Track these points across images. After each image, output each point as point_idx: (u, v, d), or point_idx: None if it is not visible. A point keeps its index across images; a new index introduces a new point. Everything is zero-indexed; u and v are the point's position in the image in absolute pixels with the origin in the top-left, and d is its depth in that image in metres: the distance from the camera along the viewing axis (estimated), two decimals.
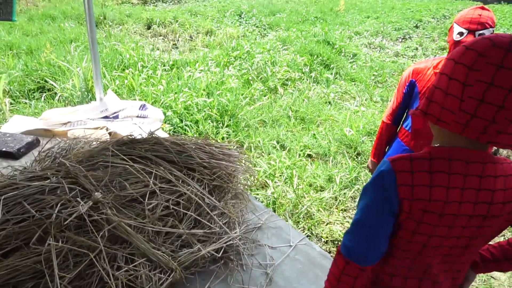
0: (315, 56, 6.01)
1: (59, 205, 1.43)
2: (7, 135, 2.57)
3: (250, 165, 2.18)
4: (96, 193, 1.50)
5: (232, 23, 8.59)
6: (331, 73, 5.68)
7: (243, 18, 9.04)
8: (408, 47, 7.67)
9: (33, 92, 4.15)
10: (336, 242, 2.69)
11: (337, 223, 2.85)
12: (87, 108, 2.99)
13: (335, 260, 1.01)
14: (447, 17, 10.87)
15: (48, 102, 3.86)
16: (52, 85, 4.03)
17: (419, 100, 1.97)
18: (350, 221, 2.90)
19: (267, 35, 7.91)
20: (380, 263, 1.01)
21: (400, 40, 8.28)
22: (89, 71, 3.82)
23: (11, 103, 3.65)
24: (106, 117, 3.00)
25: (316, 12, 10.06)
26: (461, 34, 1.74)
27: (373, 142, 2.28)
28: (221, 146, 1.99)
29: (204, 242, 1.60)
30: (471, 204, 0.86)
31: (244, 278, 1.67)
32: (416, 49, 7.57)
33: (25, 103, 3.89)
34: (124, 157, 1.67)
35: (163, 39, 7.37)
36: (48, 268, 1.29)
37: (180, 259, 1.48)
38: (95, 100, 3.18)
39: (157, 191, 1.62)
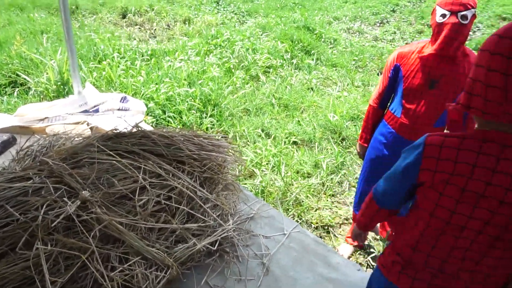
0: (296, 42, 5.96)
1: (44, 206, 1.36)
2: None
3: (239, 155, 2.15)
4: (83, 192, 1.44)
5: (210, 10, 8.41)
6: (312, 59, 5.66)
7: (221, 5, 8.86)
8: (386, 31, 7.72)
9: (5, 87, 3.95)
10: (326, 228, 2.71)
11: (326, 209, 2.86)
12: (65, 102, 2.87)
13: (369, 194, 1.25)
14: (423, 1, 10.98)
15: (22, 97, 3.69)
16: (25, 79, 3.84)
17: (403, 84, 1.98)
18: (339, 205, 2.93)
19: (246, 22, 7.79)
20: (405, 236, 1.10)
21: (378, 24, 8.32)
22: (65, 64, 3.65)
23: None
24: (85, 111, 2.89)
25: None
26: (443, 16, 1.74)
27: (360, 127, 2.30)
28: (209, 137, 1.95)
29: (198, 236, 1.57)
30: (502, 189, 0.86)
31: (241, 269, 1.66)
32: (394, 33, 7.63)
33: None
34: (110, 153, 1.60)
35: (139, 28, 7.14)
36: (38, 273, 1.23)
37: (175, 255, 1.45)
38: (73, 94, 3.05)
39: (147, 186, 1.57)
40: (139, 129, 1.80)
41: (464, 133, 0.93)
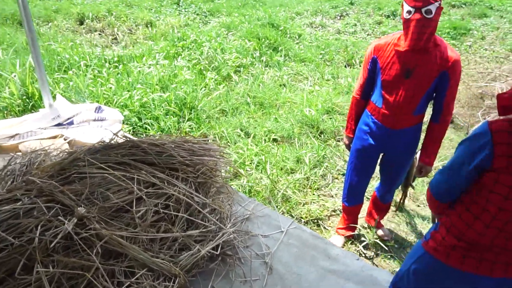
0: (263, 39, 5.99)
1: (39, 227, 1.30)
2: None
3: (228, 157, 2.14)
4: (79, 208, 1.38)
5: (171, 12, 8.26)
6: (281, 56, 5.71)
7: (181, 7, 8.73)
8: (347, 23, 7.92)
9: None
10: (316, 221, 2.76)
11: (313, 203, 2.91)
12: (36, 116, 2.73)
13: (427, 195, 1.30)
14: None
15: None
16: None
17: (381, 75, 2.05)
18: (325, 199, 2.98)
19: (209, 22, 7.74)
20: (469, 221, 1.13)
21: (338, 17, 8.53)
22: (27, 76, 3.47)
23: None
24: (59, 124, 2.77)
25: None
26: (409, 12, 1.81)
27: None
28: (199, 142, 1.92)
29: (201, 241, 1.56)
30: None
31: (245, 271, 1.66)
32: (355, 25, 7.85)
33: None
34: (101, 165, 1.55)
35: (99, 34, 6.90)
36: None
37: (181, 263, 1.42)
38: (43, 107, 2.91)
39: (144, 196, 1.53)
40: (127, 139, 1.75)
41: None
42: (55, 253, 1.27)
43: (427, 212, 2.88)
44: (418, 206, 2.97)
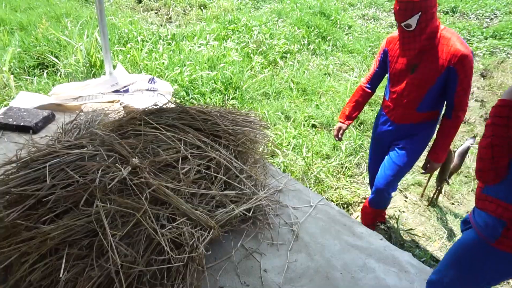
0: (312, 28, 6.00)
1: (100, 170, 1.50)
2: (22, 110, 2.60)
3: (268, 132, 2.27)
4: (133, 159, 1.57)
5: None
6: (329, 45, 5.70)
7: None
8: None
9: (33, 69, 4.10)
10: (346, 206, 2.83)
11: (345, 188, 2.98)
12: (98, 82, 3.01)
13: None
14: None
15: (51, 78, 3.84)
16: (53, 61, 3.98)
17: (389, 68, 2.02)
18: (357, 186, 3.04)
19: (261, 8, 7.81)
20: None
21: (393, 10, 8.28)
22: (92, 46, 3.78)
23: (13, 80, 3.61)
24: (116, 91, 3.03)
25: None
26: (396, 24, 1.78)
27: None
28: (242, 114, 2.07)
29: (236, 202, 1.71)
30: None
31: (273, 235, 1.79)
32: None
33: (26, 79, 3.85)
34: (155, 125, 1.73)
35: (155, 13, 7.22)
36: (100, 227, 1.38)
37: (216, 218, 1.58)
38: (103, 75, 3.19)
39: (189, 156, 1.70)
40: (178, 105, 1.93)
41: None
42: (111, 194, 1.47)
43: (461, 210, 2.85)
44: (452, 204, 2.94)
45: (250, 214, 1.72)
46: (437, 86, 1.87)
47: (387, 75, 2.12)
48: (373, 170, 2.38)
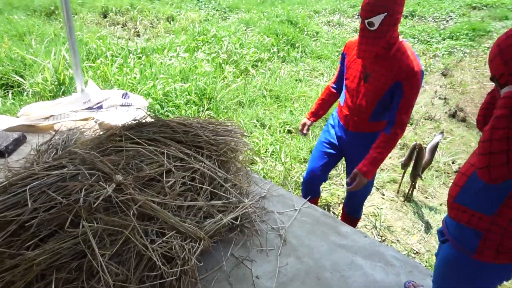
0: (281, 36, 6.12)
1: (83, 190, 1.48)
2: None
3: (247, 140, 2.30)
4: (117, 176, 1.55)
5: (191, 7, 8.46)
6: (298, 52, 5.84)
7: (201, 2, 8.91)
8: None
9: None
10: (326, 207, 2.90)
11: (324, 190, 3.05)
12: (69, 100, 2.94)
13: None
14: None
15: (17, 98, 3.70)
16: (18, 80, 3.85)
17: (345, 74, 1.99)
18: (336, 187, 3.11)
19: (228, 18, 7.89)
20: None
21: (356, 16, 8.58)
22: (60, 64, 3.69)
23: None
24: (89, 108, 2.97)
25: None
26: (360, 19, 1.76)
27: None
28: (221, 124, 2.09)
29: (223, 212, 1.72)
30: None
31: (261, 241, 1.82)
32: None
33: None
34: (138, 140, 1.72)
35: (122, 27, 7.14)
36: (88, 248, 1.35)
37: (205, 228, 1.58)
38: (73, 93, 3.12)
39: (173, 169, 1.70)
40: (158, 118, 1.92)
41: None
42: (97, 213, 1.45)
43: (435, 203, 2.99)
44: (426, 197, 3.07)
45: (237, 223, 1.74)
46: (386, 98, 1.84)
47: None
48: (310, 168, 2.28)
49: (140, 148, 1.73)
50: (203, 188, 1.74)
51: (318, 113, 2.30)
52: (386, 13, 1.63)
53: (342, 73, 2.10)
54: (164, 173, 1.68)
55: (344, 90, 2.03)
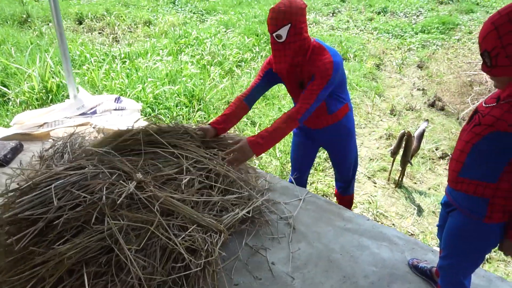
0: (261, 36, 6.23)
1: (105, 188, 1.52)
2: None
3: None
4: (137, 174, 1.61)
5: (167, 11, 8.45)
6: None
7: (177, 5, 8.91)
8: (340, 20, 8.21)
9: None
10: (324, 197, 3.01)
11: (320, 182, 3.17)
12: (63, 106, 2.93)
13: None
14: None
15: (3, 108, 3.64)
16: (2, 90, 3.78)
17: (285, 84, 2.07)
18: (329, 179, 3.24)
19: (206, 21, 7.94)
20: None
21: (331, 14, 8.81)
22: (46, 71, 3.65)
23: None
24: (83, 113, 2.97)
25: None
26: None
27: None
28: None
29: (235, 205, 1.80)
30: None
31: (272, 230, 1.90)
32: (348, 21, 8.14)
33: None
34: (160, 139, 1.78)
35: (99, 33, 7.05)
36: (114, 243, 1.40)
37: (224, 221, 1.66)
38: (62, 101, 3.11)
39: (191, 168, 1.77)
40: (180, 125, 1.97)
41: None
42: (121, 209, 1.50)
43: (423, 187, 3.16)
44: (415, 183, 3.25)
45: (250, 215, 1.82)
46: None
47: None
48: (295, 171, 2.42)
49: (158, 151, 1.78)
50: (217, 185, 1.81)
51: (224, 126, 2.04)
52: (290, 24, 1.72)
53: (260, 84, 2.07)
54: (184, 172, 1.74)
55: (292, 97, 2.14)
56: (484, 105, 1.28)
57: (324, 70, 1.81)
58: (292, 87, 2.04)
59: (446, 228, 1.50)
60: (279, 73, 1.96)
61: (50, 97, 3.62)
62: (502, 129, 1.17)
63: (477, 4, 9.44)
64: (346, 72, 5.27)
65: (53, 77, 3.79)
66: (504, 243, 1.36)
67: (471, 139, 1.28)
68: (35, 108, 3.59)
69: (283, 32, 1.73)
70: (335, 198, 2.65)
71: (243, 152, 1.87)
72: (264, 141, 1.85)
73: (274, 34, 1.76)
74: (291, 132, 2.07)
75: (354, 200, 2.83)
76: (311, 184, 3.12)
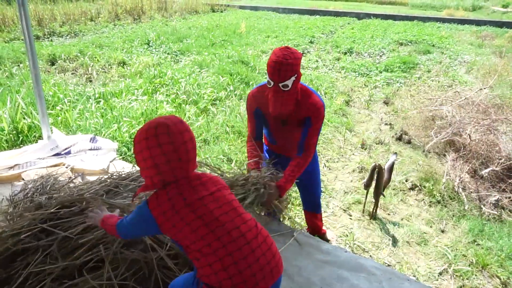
0: (235, 75, 6.43)
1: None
2: None
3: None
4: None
5: (142, 52, 8.60)
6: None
7: (152, 47, 9.10)
8: (309, 60, 8.63)
9: None
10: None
11: (297, 217, 3.21)
12: (36, 147, 2.88)
13: None
14: (333, 32, 12.46)
15: None
16: None
17: (268, 121, 2.19)
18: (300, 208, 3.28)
19: (180, 61, 8.12)
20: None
21: (301, 51, 9.26)
22: (17, 112, 3.60)
23: None
24: (57, 154, 2.93)
25: (221, 35, 10.62)
26: (269, 82, 1.91)
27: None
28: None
29: None
30: None
31: None
32: (317, 61, 8.56)
33: None
34: None
35: (72, 73, 7.05)
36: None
37: None
38: (39, 140, 3.06)
39: None
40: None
41: None
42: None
43: (397, 218, 3.26)
44: (389, 214, 3.34)
45: None
46: (305, 132, 2.08)
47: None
48: None
49: None
50: None
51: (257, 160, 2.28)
52: (296, 75, 1.89)
53: (258, 124, 2.23)
54: None
55: (270, 133, 2.24)
56: None
57: (319, 114, 2.02)
58: (276, 125, 2.16)
59: None
60: (278, 117, 2.08)
61: (21, 138, 3.54)
62: None
63: (433, 45, 10.25)
64: None
65: (24, 118, 3.73)
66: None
67: None
68: (5, 149, 3.49)
69: (290, 82, 1.86)
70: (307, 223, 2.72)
71: (275, 196, 2.12)
72: (290, 184, 2.12)
73: (280, 84, 1.85)
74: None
75: (332, 234, 2.89)
76: (288, 218, 3.14)
